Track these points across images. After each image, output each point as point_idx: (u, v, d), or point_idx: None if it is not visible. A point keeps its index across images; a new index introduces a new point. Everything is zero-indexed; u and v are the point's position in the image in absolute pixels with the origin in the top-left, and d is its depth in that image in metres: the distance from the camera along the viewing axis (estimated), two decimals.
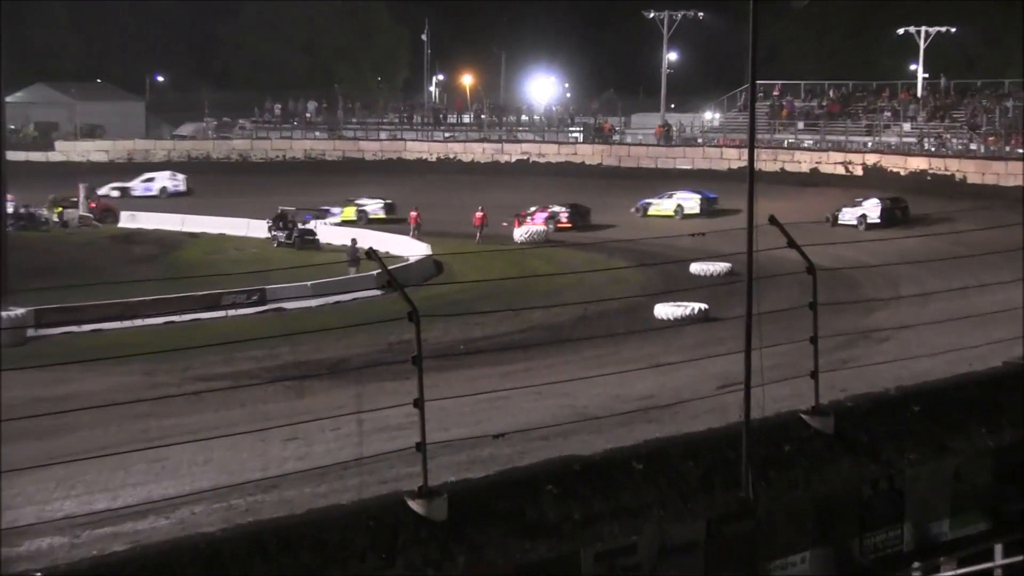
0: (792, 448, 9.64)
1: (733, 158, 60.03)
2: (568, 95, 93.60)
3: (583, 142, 68.93)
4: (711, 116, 73.43)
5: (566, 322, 27.04)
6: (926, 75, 66.86)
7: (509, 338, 25.24)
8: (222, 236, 50.29)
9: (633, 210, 52.29)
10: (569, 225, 48.70)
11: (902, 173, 54.15)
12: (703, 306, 26.85)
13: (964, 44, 73.94)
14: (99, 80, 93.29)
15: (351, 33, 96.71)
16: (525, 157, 66.58)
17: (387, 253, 38.69)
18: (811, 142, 62.31)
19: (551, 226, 47.87)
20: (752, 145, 9.88)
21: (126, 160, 69.82)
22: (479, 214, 47.31)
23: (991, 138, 55.69)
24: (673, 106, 77.53)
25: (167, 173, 64.29)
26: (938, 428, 10.33)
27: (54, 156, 71.24)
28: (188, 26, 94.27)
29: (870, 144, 59.27)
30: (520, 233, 46.21)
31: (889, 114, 63.38)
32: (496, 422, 12.29)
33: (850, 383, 11.51)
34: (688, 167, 61.71)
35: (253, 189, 58.80)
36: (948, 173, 52.91)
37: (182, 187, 63.36)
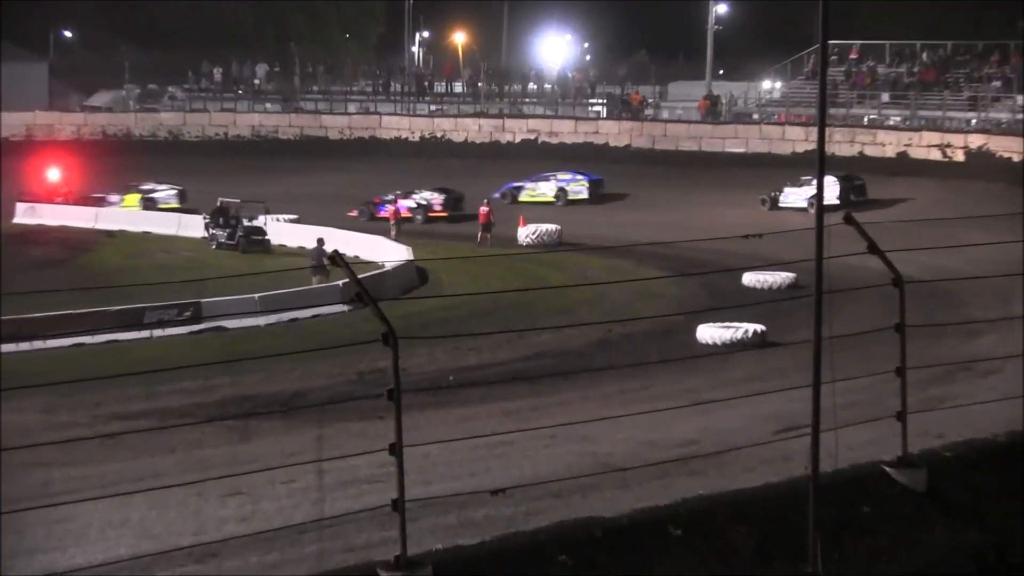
0: (873, 510, 9.68)
1: (798, 138, 60.20)
2: (588, 57, 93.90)
3: (606, 117, 69.24)
4: (770, 86, 73.67)
5: (583, 347, 27.13)
6: None
7: (511, 367, 25.23)
8: (146, 235, 50.50)
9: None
10: (444, 214, 52.65)
11: (1015, 159, 53.97)
12: (759, 327, 26.95)
13: None
14: None
15: None
16: (532, 136, 66.74)
17: (356, 258, 38.95)
18: (898, 119, 62.44)
19: (419, 217, 52.01)
20: (823, 122, 9.94)
21: (24, 138, 69.95)
22: (484, 209, 46.78)
23: None
24: (722, 72, 77.74)
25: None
26: None
27: None
28: None
29: (974, 122, 59.37)
30: (525, 234, 45.99)
31: (999, 83, 63.42)
32: (494, 474, 12.31)
33: (948, 427, 11.54)
34: (741, 150, 61.80)
35: (186, 175, 58.82)
36: None
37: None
